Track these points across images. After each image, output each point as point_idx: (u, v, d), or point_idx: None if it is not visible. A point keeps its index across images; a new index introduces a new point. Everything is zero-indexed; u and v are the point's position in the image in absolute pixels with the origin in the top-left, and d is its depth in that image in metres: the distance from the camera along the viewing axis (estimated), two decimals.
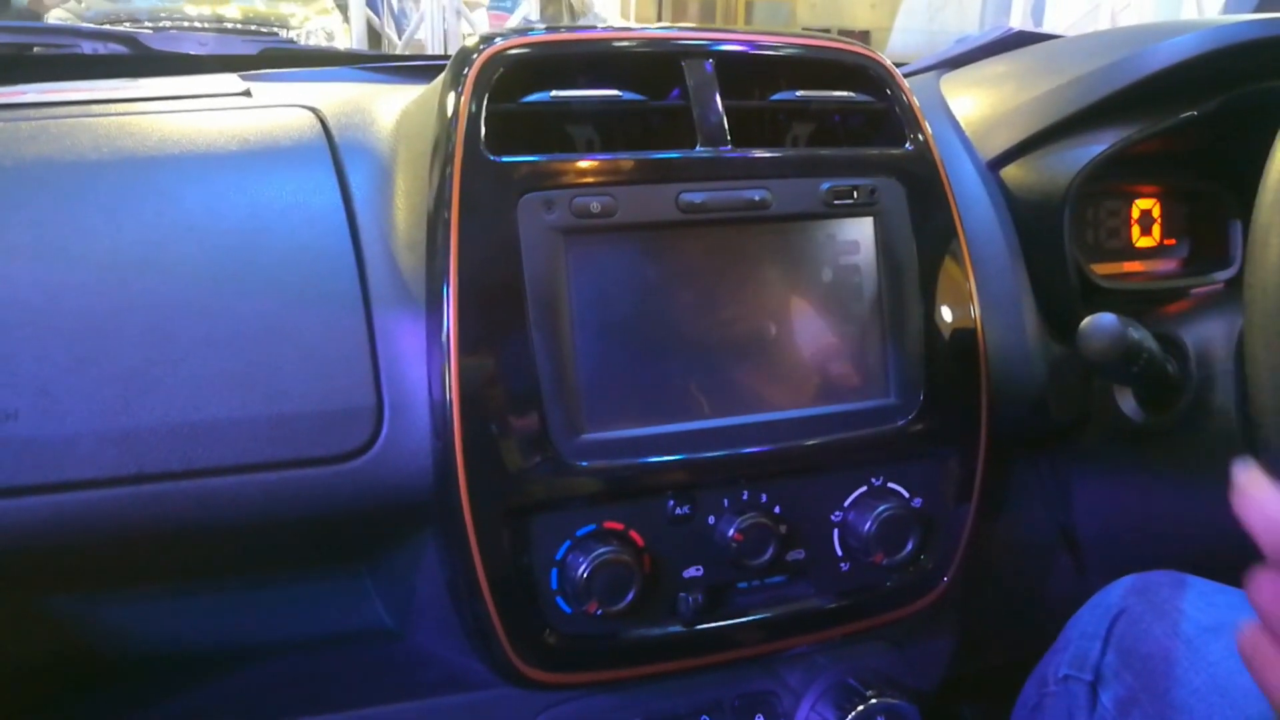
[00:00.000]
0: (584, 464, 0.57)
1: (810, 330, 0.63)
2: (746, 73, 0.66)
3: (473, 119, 0.58)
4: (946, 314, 0.66)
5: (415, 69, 0.82)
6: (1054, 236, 0.74)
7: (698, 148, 0.62)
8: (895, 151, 0.67)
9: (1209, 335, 0.70)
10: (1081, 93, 0.74)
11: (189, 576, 0.69)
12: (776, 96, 0.65)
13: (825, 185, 0.63)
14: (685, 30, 0.65)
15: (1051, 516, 0.83)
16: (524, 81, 0.61)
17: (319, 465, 0.56)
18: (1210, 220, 0.91)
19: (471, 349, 0.56)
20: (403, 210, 0.61)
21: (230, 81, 0.73)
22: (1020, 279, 0.74)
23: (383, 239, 0.60)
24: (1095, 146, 0.72)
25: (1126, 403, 0.74)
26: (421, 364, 0.57)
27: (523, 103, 0.60)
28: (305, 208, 0.61)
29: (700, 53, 0.63)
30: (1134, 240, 0.89)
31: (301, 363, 0.56)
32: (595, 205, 0.58)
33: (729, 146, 0.62)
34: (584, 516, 0.59)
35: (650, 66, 0.64)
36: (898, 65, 0.70)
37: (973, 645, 0.79)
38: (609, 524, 0.59)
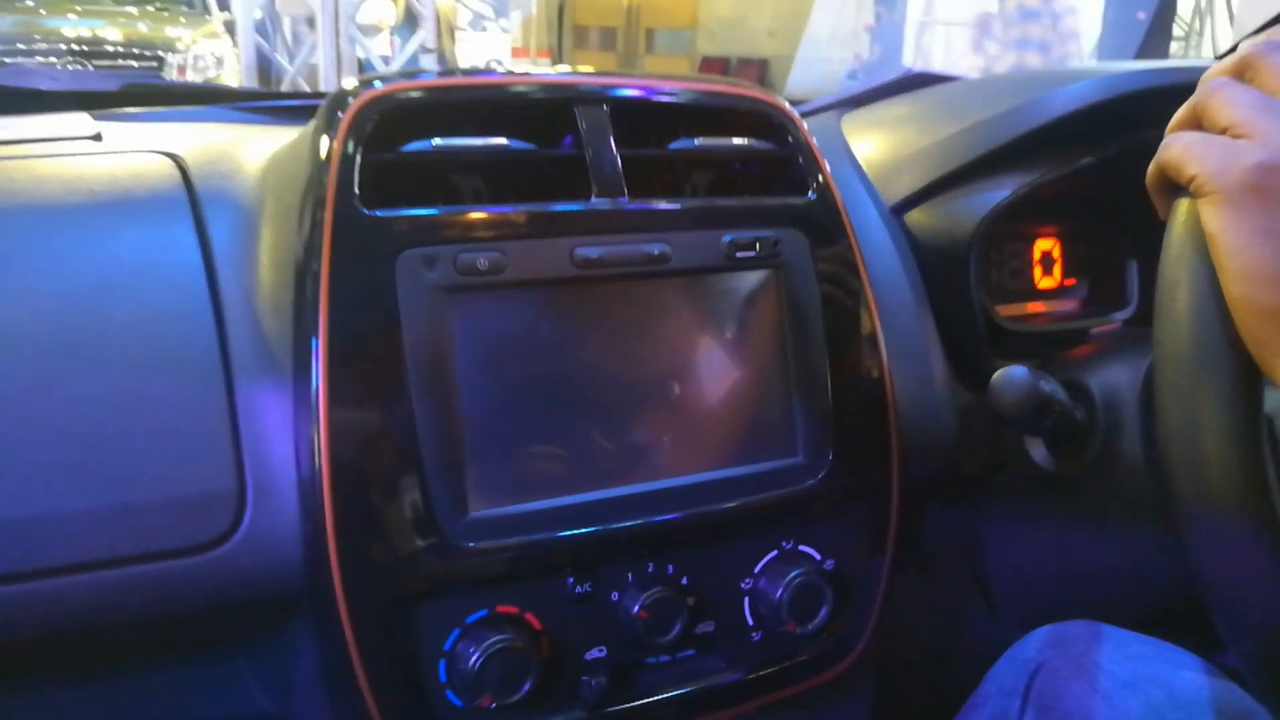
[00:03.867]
0: (472, 544, 0.53)
1: (714, 389, 0.60)
2: (643, 119, 0.63)
3: (346, 168, 0.53)
4: (854, 366, 0.64)
5: (292, 110, 0.76)
6: (960, 282, 0.73)
7: (593, 199, 0.58)
8: (797, 201, 0.64)
9: (1114, 381, 0.69)
10: (983, 138, 0.73)
11: (43, 670, 0.62)
12: (675, 145, 0.62)
13: (726, 238, 0.60)
14: (578, 75, 0.61)
15: (964, 567, 0.81)
16: (405, 128, 0.56)
17: (173, 558, 0.50)
18: (1108, 261, 0.91)
19: (343, 420, 0.51)
20: (268, 268, 0.56)
21: (81, 122, 0.67)
22: (927, 326, 0.72)
23: (246, 299, 0.55)
24: (999, 192, 0.71)
25: (1037, 450, 0.73)
26: (288, 439, 0.52)
27: (403, 151, 0.56)
28: (159, 267, 0.55)
29: (594, 99, 0.60)
30: (1036, 281, 0.89)
31: (152, 444, 0.50)
32: (483, 262, 0.54)
33: (626, 198, 0.59)
34: (474, 601, 0.54)
35: (541, 113, 0.60)
36: (797, 104, 0.68)
37: (890, 705, 0.77)
38: (502, 608, 0.54)
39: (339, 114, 0.55)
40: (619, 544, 0.56)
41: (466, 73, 0.59)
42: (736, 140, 0.64)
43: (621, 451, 0.57)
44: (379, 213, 0.53)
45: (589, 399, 0.56)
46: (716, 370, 0.60)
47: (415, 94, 0.56)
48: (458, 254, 0.53)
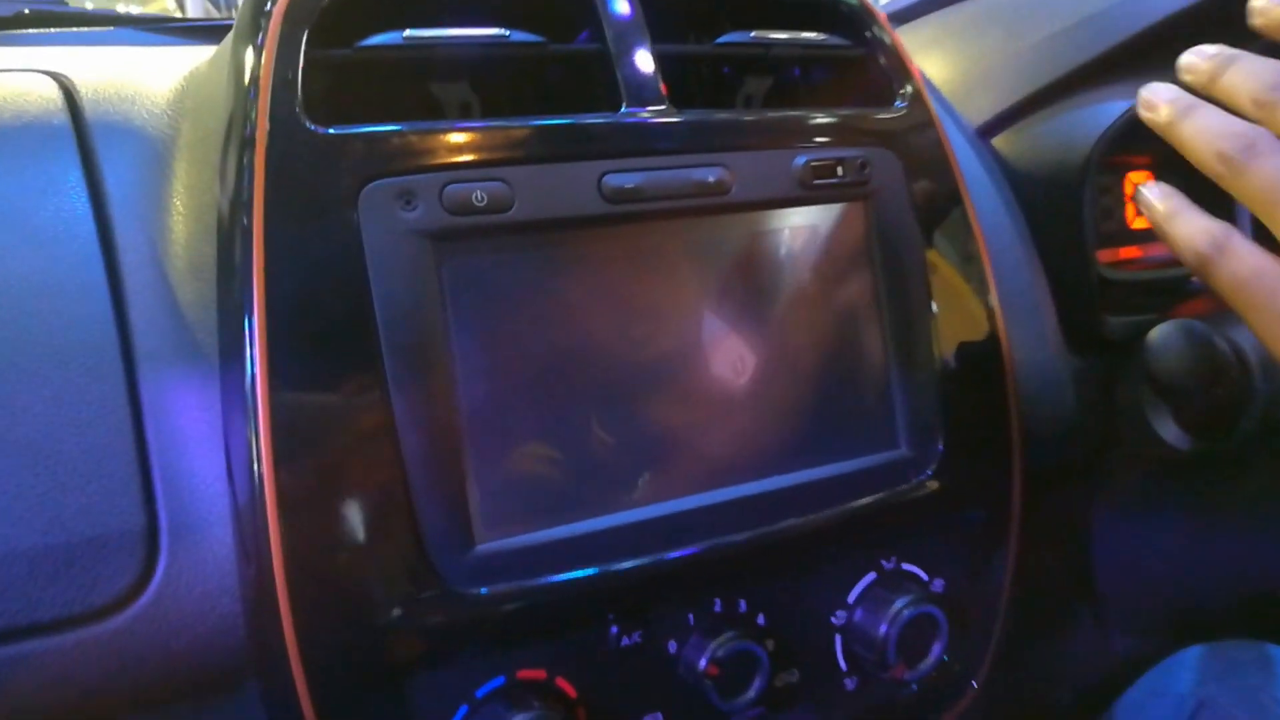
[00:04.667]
0: (482, 590, 0.37)
1: (790, 363, 0.45)
2: (682, 6, 0.48)
3: (284, 70, 0.38)
4: (964, 328, 0.49)
5: (221, 30, 0.60)
6: (1069, 220, 0.58)
7: (624, 109, 0.43)
8: (885, 114, 0.49)
9: None
10: (1090, 38, 0.58)
11: None
12: (726, 39, 0.47)
13: (800, 160, 0.45)
14: None
15: (1067, 567, 0.67)
16: (364, 15, 0.41)
17: (54, 632, 0.35)
18: (1212, 192, 0.77)
19: (292, 424, 0.35)
20: (183, 218, 0.41)
21: None
22: (1037, 276, 0.57)
23: (153, 262, 0.39)
24: (1118, 104, 0.56)
25: (1166, 427, 0.58)
26: (217, 453, 0.37)
27: (362, 48, 0.40)
28: (29, 219, 0.39)
29: None
30: (1129, 221, 0.74)
31: (20, 472, 0.35)
32: (480, 195, 0.39)
33: (667, 107, 0.43)
34: (487, 666, 0.39)
35: None
36: None
37: None
38: (525, 673, 0.39)
39: (270, 2, 0.39)
40: (676, 577, 0.42)
41: None
42: (805, 34, 0.49)
43: (673, 453, 0.42)
44: (332, 130, 0.38)
45: (628, 383, 0.41)
46: (792, 338, 0.45)
47: None
48: (445, 185, 0.38)
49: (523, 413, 0.39)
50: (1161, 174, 0.76)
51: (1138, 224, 0.75)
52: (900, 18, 0.79)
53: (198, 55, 0.51)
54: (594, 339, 0.41)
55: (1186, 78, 0.42)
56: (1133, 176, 0.75)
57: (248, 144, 0.37)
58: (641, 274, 0.42)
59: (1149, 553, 0.64)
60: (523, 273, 0.39)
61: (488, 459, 0.38)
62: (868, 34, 0.50)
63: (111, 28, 0.62)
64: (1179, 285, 0.71)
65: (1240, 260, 0.38)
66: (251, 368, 0.35)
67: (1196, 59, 0.41)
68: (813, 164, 0.45)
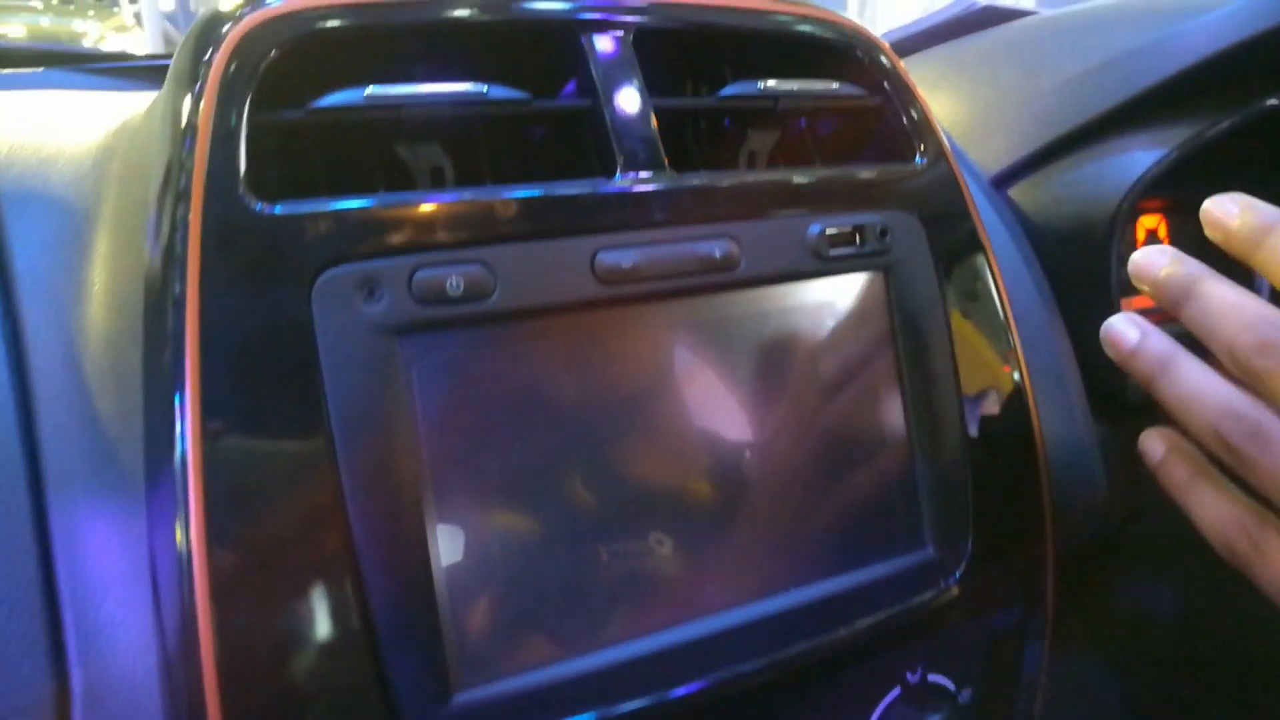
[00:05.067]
0: None
1: (806, 460, 0.40)
2: (681, 53, 0.43)
3: (223, 135, 0.32)
4: (993, 409, 0.44)
5: (161, 71, 0.54)
6: (1094, 276, 0.54)
7: (619, 175, 0.37)
8: (905, 171, 0.44)
9: None
10: (1117, 82, 0.54)
11: None
12: (730, 90, 0.42)
13: (815, 228, 0.40)
14: None
15: (1087, 649, 0.62)
16: (319, 71, 0.35)
17: None
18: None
19: (234, 562, 0.30)
20: (108, 309, 0.35)
21: None
22: (1062, 340, 0.53)
23: (70, 364, 0.33)
24: (1148, 153, 0.52)
25: None
26: (143, 599, 0.31)
27: (317, 109, 0.35)
28: None
29: (611, 21, 0.39)
30: None
31: None
32: (456, 282, 0.33)
33: (666, 171, 0.38)
34: None
35: (531, 44, 0.39)
36: None
37: None
38: None
39: (210, 48, 0.33)
40: (682, 716, 0.36)
41: None
42: (816, 84, 0.44)
43: (678, 573, 0.37)
44: (279, 208, 0.32)
45: (629, 494, 0.36)
46: (808, 430, 0.40)
47: (333, 13, 0.35)
48: (414, 270, 0.33)
49: (507, 536, 0.34)
50: (1174, 218, 0.72)
51: None
52: (901, 49, 0.75)
53: (136, 103, 0.45)
54: (589, 443, 0.35)
55: (1213, 235, 0.36)
56: (1145, 221, 0.71)
57: (179, 227, 0.31)
58: (640, 364, 0.37)
59: (1185, 638, 0.59)
60: (506, 370, 0.34)
61: (466, 592, 0.33)
62: (886, 82, 0.45)
63: (40, 69, 0.56)
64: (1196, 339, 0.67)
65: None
66: (184, 495, 0.30)
67: (1223, 216, 0.35)
68: (828, 232, 0.40)
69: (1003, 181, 0.56)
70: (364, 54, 0.36)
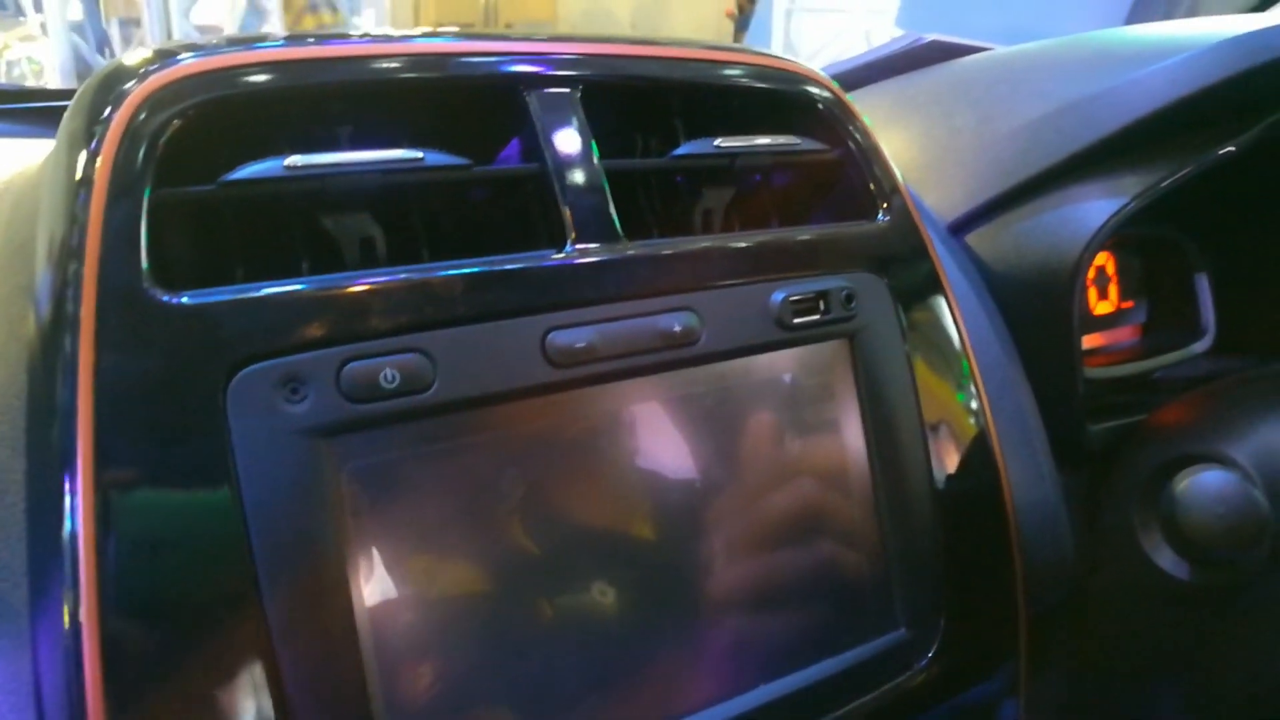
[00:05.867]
0: None
1: (774, 545, 0.37)
2: (630, 110, 0.40)
3: (122, 214, 0.28)
4: (963, 477, 0.42)
5: (56, 113, 0.50)
6: (1055, 326, 0.52)
7: (570, 246, 0.34)
8: (869, 230, 0.42)
9: (1271, 450, 0.50)
10: (1078, 127, 0.52)
11: None
12: (685, 149, 0.39)
13: (778, 295, 0.38)
14: (525, 39, 0.37)
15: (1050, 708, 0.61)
16: (233, 137, 0.32)
17: None
18: (1170, 275, 0.73)
19: (135, 701, 0.26)
20: None
21: None
22: (1024, 393, 0.51)
23: None
24: (1110, 201, 0.51)
25: (1162, 554, 0.53)
26: None
27: (230, 182, 0.31)
28: None
29: (556, 77, 0.36)
30: (1092, 306, 0.70)
31: None
32: (391, 374, 0.30)
33: (621, 241, 0.35)
34: None
35: (469, 102, 0.36)
36: None
37: None
38: None
39: (108, 107, 0.30)
40: None
41: (338, 39, 0.34)
42: (772, 141, 0.41)
43: (641, 678, 0.34)
44: (187, 298, 0.28)
45: (588, 593, 0.33)
46: (775, 511, 0.37)
47: (252, 71, 0.31)
48: (343, 364, 0.29)
49: (453, 653, 0.30)
50: (1121, 254, 0.72)
51: (1100, 309, 0.71)
52: (845, 83, 0.73)
53: (25, 154, 0.41)
54: (542, 543, 0.32)
55: None
56: (1095, 259, 0.70)
57: (69, 325, 0.27)
58: (596, 452, 0.34)
59: (1142, 688, 0.58)
60: (450, 468, 0.31)
61: (405, 692, 0.29)
62: (847, 134, 0.43)
63: None
64: (1145, 380, 0.67)
65: None
66: (74, 630, 0.26)
67: None
68: (792, 300, 0.38)
69: (960, 228, 0.55)
70: (287, 116, 0.33)
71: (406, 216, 0.35)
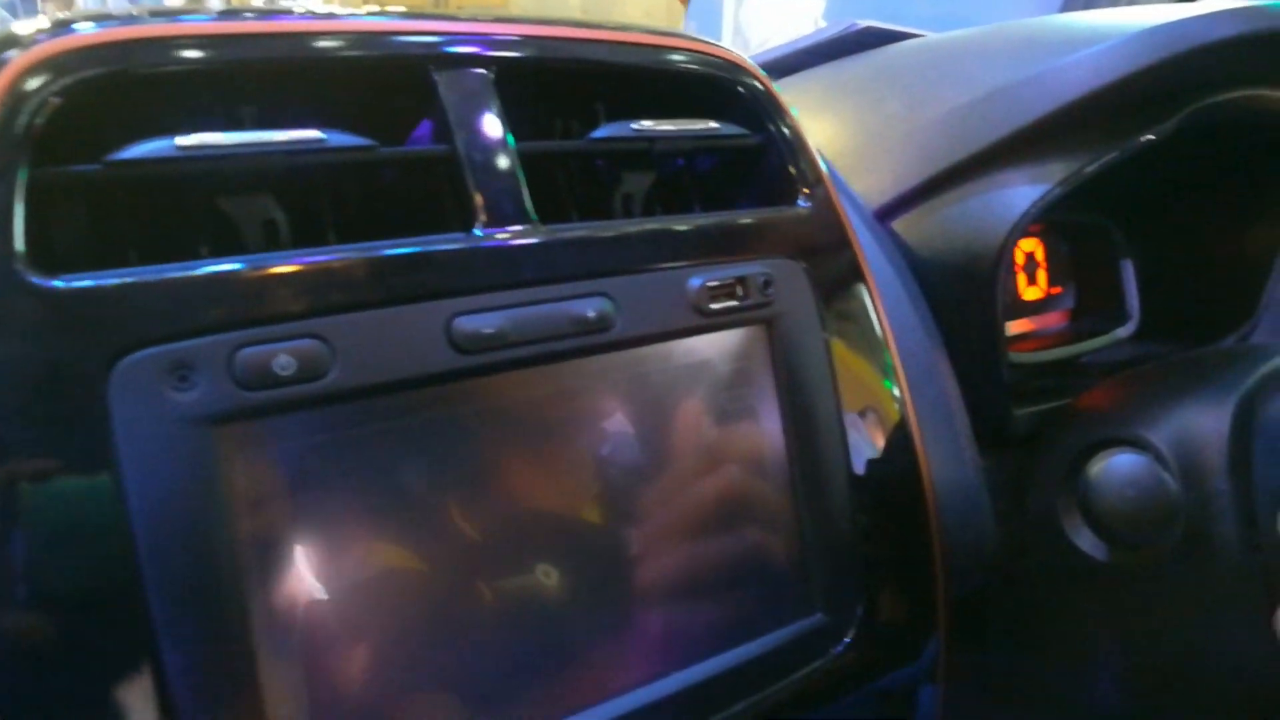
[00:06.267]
0: None
1: (689, 532, 0.37)
2: (546, 91, 0.39)
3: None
4: (881, 462, 0.43)
5: None
6: (979, 311, 0.52)
7: (478, 229, 0.34)
8: (787, 215, 0.42)
9: (1191, 439, 0.51)
10: (1003, 113, 0.52)
11: None
12: (603, 132, 0.38)
13: (695, 281, 0.37)
14: (436, 19, 0.36)
15: (972, 684, 0.62)
16: (119, 117, 0.30)
17: None
18: (1097, 262, 0.74)
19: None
20: None
21: None
22: (947, 378, 0.51)
23: None
24: (1033, 187, 0.51)
25: (1082, 535, 0.53)
26: None
27: (115, 162, 0.30)
28: None
29: (468, 57, 0.35)
30: (1020, 291, 0.70)
31: None
32: (286, 361, 0.29)
33: (533, 224, 0.35)
34: None
35: (375, 82, 0.35)
36: None
37: None
38: None
39: None
40: None
41: (235, 13, 0.33)
42: (692, 125, 0.41)
43: (557, 663, 0.33)
44: (63, 282, 0.27)
45: (495, 585, 0.32)
46: (691, 498, 0.37)
47: (139, 47, 0.30)
48: (235, 350, 0.28)
49: (351, 647, 0.30)
50: (1050, 240, 0.73)
51: (1029, 294, 0.71)
52: (779, 69, 0.73)
53: None
54: (449, 532, 0.31)
55: None
56: (1022, 244, 0.71)
57: None
58: (505, 441, 0.33)
59: (1066, 672, 0.59)
60: (349, 459, 0.30)
61: (304, 697, 0.29)
62: (769, 119, 0.42)
63: None
64: (1072, 365, 0.68)
65: None
66: None
67: None
68: (710, 285, 0.37)
69: (886, 214, 0.55)
70: (189, 94, 0.32)
71: (314, 200, 0.34)
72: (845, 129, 0.59)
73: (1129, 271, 0.73)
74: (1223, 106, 0.54)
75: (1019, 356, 0.63)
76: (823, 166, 0.44)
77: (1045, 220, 0.72)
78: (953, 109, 0.54)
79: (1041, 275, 0.72)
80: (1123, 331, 0.71)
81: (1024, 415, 0.57)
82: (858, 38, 0.68)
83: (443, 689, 0.31)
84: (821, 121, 0.62)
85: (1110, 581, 0.53)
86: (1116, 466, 0.43)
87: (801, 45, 0.71)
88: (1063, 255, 0.74)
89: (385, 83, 0.35)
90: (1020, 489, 0.56)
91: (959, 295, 0.53)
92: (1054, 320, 0.74)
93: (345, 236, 0.33)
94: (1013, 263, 0.70)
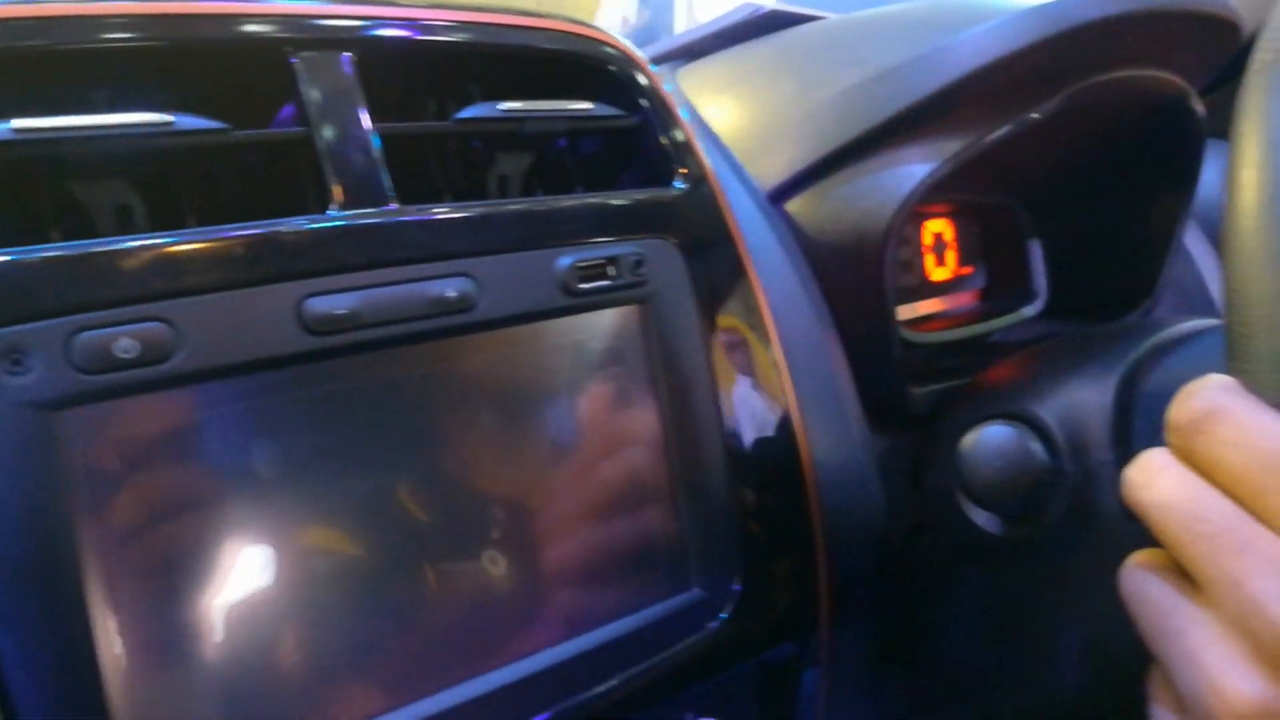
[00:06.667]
0: None
1: (560, 511, 0.37)
2: (411, 74, 0.39)
3: None
4: (759, 440, 0.43)
5: None
6: (869, 291, 0.53)
7: (333, 210, 0.34)
8: (661, 196, 0.42)
9: (1076, 413, 0.52)
10: (891, 94, 0.53)
11: None
12: (467, 113, 0.39)
13: (564, 261, 0.38)
14: (294, 2, 0.36)
15: (880, 657, 0.63)
16: None
17: None
18: (1005, 241, 0.75)
19: None
20: None
21: None
22: (836, 358, 0.52)
23: None
24: (920, 166, 0.52)
25: (977, 511, 0.54)
26: None
27: None
28: None
29: (327, 39, 0.35)
30: (929, 272, 0.72)
31: None
32: (127, 345, 0.29)
33: (394, 205, 0.35)
34: None
35: (231, 66, 0.35)
36: None
37: None
38: None
39: None
40: None
41: None
42: (563, 105, 0.41)
43: (406, 649, 0.34)
44: None
45: (350, 568, 0.33)
46: (562, 477, 0.38)
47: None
48: (73, 334, 0.28)
49: (199, 638, 0.30)
50: (960, 221, 0.74)
51: (937, 275, 0.73)
52: (691, 53, 0.74)
53: None
54: (299, 520, 0.32)
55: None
56: (931, 225, 0.72)
57: None
58: (362, 425, 0.33)
59: (968, 639, 0.60)
60: (194, 443, 0.30)
61: (139, 674, 0.29)
62: (644, 100, 0.43)
63: None
64: (980, 344, 0.69)
65: None
66: None
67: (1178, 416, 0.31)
68: (579, 265, 0.38)
69: (780, 195, 0.55)
70: (18, 74, 0.31)
71: (171, 184, 0.34)
72: (745, 112, 0.60)
73: (1036, 252, 0.74)
74: (1105, 86, 0.55)
75: (923, 336, 0.64)
76: (703, 148, 0.45)
77: (954, 201, 0.73)
78: (843, 90, 0.54)
79: (951, 256, 0.73)
80: (1029, 310, 0.72)
81: (924, 394, 0.58)
82: (765, 20, 0.69)
83: (302, 670, 0.31)
84: (724, 105, 0.62)
85: (1005, 555, 0.54)
86: (985, 439, 0.44)
87: (712, 29, 0.72)
88: (974, 236, 0.75)
89: (244, 66, 0.35)
90: (919, 468, 0.57)
91: (850, 276, 0.53)
92: (965, 300, 0.75)
93: (209, 222, 0.33)
94: (921, 244, 0.71)
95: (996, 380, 0.58)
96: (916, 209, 0.70)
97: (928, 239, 0.71)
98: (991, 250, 0.75)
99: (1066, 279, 0.74)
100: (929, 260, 0.71)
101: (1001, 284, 0.75)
